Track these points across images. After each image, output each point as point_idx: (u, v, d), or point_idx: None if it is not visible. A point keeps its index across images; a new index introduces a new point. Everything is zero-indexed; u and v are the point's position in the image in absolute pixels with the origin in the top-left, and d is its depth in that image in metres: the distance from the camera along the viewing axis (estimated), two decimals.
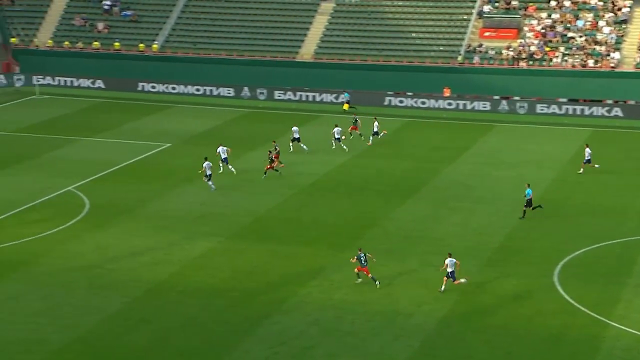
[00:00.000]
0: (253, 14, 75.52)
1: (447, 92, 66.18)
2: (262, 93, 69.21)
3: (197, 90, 69.84)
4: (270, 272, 35.12)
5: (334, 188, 46.41)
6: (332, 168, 49.97)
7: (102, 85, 71.26)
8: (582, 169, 48.12)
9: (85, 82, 71.42)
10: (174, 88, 70.29)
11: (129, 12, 77.02)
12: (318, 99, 68.27)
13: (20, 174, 47.48)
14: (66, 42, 74.98)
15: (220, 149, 48.13)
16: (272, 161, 47.68)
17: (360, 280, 33.95)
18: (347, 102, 65.89)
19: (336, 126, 53.84)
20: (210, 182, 45.01)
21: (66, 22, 77.08)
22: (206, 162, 45.10)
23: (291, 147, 52.28)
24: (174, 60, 72.80)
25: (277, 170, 47.59)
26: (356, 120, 56.98)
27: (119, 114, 62.64)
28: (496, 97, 65.69)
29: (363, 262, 33.69)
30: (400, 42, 71.22)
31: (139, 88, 70.75)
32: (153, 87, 70.74)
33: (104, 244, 37.72)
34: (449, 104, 65.54)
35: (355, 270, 33.93)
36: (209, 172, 44.97)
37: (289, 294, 33.12)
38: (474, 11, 71.40)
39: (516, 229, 40.09)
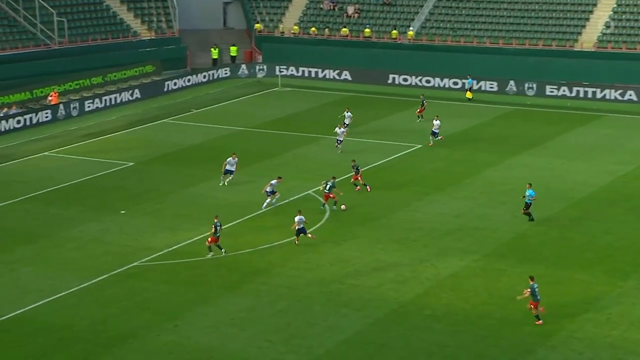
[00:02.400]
0: None
1: None
2: (531, 88, 68.02)
3: (455, 83, 69.90)
4: None
5: (615, 202, 44.67)
6: (614, 178, 48.19)
7: (349, 77, 73.26)
8: None
9: (331, 74, 73.77)
10: (428, 81, 70.80)
11: None
12: (599, 95, 66.06)
13: (262, 174, 49.69)
14: (313, 29, 77.86)
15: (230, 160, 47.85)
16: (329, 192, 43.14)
17: (211, 254, 37.68)
18: (469, 90, 65.26)
19: (437, 118, 54.71)
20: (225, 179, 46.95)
21: (314, 6, 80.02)
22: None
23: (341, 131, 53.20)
24: (430, 49, 73.36)
25: (323, 206, 43.63)
26: (423, 103, 58.66)
27: (366, 109, 64.02)
28: None
29: (217, 233, 37.65)
30: None
31: (390, 80, 71.97)
32: (405, 79, 71.66)
33: (344, 256, 38.67)
34: None
35: (208, 241, 37.91)
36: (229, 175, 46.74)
37: (556, 326, 32.24)
38: None
39: None
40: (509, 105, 65.20)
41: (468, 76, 67.00)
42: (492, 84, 68.95)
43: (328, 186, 43.63)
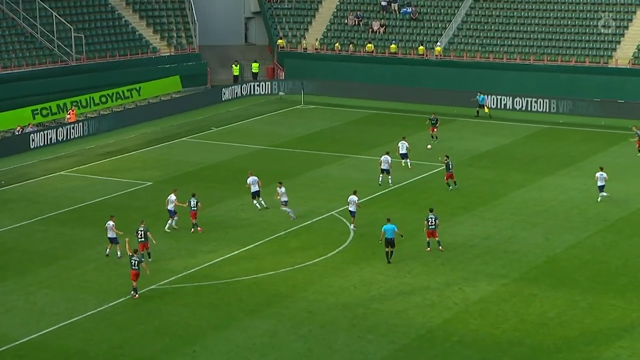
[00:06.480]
0: (557, 10, 74.47)
1: None
2: (564, 106, 67.82)
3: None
4: (567, 326, 34.21)
5: None
6: None
7: (374, 95, 73.26)
8: None
9: (355, 91, 73.76)
10: (456, 98, 70.69)
11: (409, 9, 78.79)
12: (635, 114, 65.66)
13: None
14: (337, 44, 78.14)
15: (250, 179, 47.23)
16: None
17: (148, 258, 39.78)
18: (484, 106, 66.26)
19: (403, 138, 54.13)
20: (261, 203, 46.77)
21: (338, 22, 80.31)
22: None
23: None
24: (458, 66, 73.43)
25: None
26: (436, 121, 59.19)
27: (392, 127, 64.08)
28: None
29: (140, 238, 39.84)
30: None
31: (416, 98, 71.89)
32: (433, 97, 71.57)
33: (370, 279, 38.66)
34: None
35: (140, 249, 39.31)
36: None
37: (590, 354, 32.05)
38: None
39: None
40: (540, 123, 65.06)
41: (478, 93, 66.83)
42: (523, 102, 68.84)
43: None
